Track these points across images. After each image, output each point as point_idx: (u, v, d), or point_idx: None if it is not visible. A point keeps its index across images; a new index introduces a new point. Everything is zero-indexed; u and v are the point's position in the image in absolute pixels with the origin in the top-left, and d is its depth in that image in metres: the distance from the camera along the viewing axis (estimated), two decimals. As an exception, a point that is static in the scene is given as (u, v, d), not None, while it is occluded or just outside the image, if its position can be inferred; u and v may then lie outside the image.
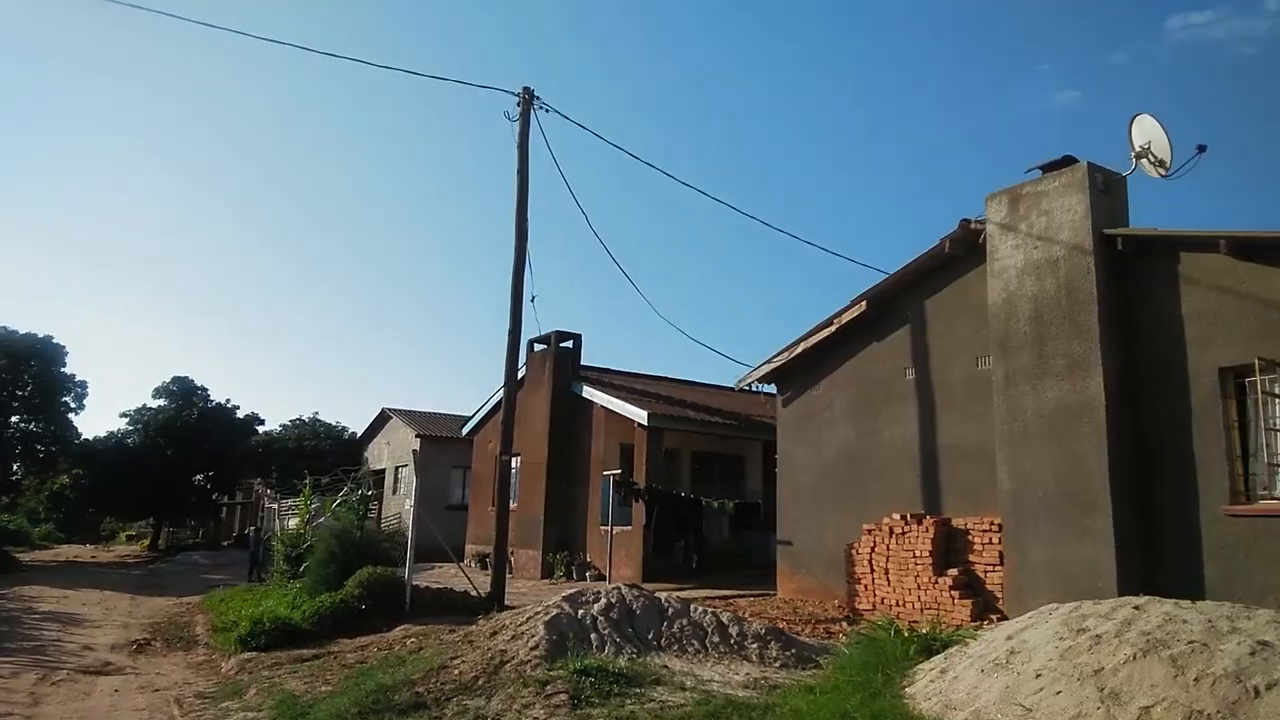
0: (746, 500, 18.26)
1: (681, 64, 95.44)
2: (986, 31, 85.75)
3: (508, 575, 16.07)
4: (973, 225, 11.36)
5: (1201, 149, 9.73)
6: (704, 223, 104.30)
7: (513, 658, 8.36)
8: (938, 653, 8.32)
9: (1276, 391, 8.75)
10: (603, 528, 19.02)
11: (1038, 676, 6.32)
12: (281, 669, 9.87)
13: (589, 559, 19.09)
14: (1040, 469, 10.04)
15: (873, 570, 11.56)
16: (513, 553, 19.02)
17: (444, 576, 18.77)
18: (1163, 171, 9.92)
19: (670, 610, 9.60)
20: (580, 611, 9.36)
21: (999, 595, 10.36)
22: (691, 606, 9.76)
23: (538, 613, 9.33)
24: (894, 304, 12.73)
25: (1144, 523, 9.55)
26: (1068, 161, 10.49)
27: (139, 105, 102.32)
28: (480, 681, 7.90)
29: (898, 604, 11.14)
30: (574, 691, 7.36)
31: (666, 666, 8.41)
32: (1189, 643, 6.12)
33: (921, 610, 10.78)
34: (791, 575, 13.99)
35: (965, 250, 11.65)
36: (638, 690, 7.58)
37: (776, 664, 8.77)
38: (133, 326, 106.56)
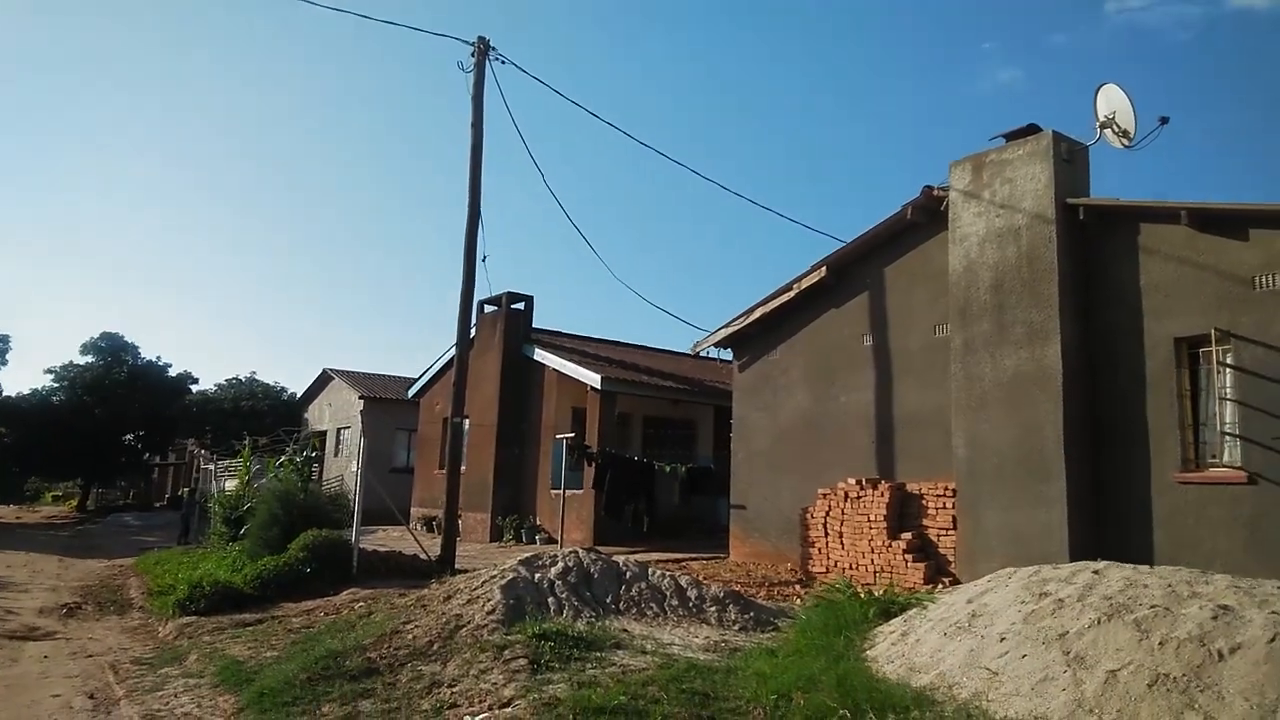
0: (698, 465, 18.22)
1: (647, 34, 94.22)
2: (931, 8, 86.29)
3: (456, 539, 15.82)
4: (935, 192, 11.31)
5: (1164, 120, 9.77)
6: (666, 188, 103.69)
7: (468, 622, 8.16)
8: (896, 615, 8.35)
9: (1229, 361, 8.89)
10: (554, 491, 18.83)
11: (1002, 640, 6.34)
12: (223, 634, 9.52)
13: (539, 522, 18.93)
14: (996, 436, 10.12)
15: (827, 534, 11.60)
16: (460, 516, 18.72)
17: (390, 540, 18.44)
18: (1126, 142, 9.96)
19: (628, 574, 9.48)
20: (537, 575, 9.19)
21: (951, 559, 10.47)
22: (649, 570, 9.66)
23: (493, 576, 9.13)
24: (854, 270, 12.68)
25: (1097, 490, 9.70)
26: (1032, 130, 10.47)
27: (64, 47, 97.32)
28: (435, 647, 7.69)
29: (851, 567, 11.20)
30: (533, 656, 7.19)
31: (626, 630, 8.30)
32: (1151, 607, 6.18)
33: (875, 574, 10.86)
34: (744, 539, 14.01)
35: (927, 217, 11.62)
36: (598, 654, 7.45)
37: (735, 627, 8.73)
38: (59, 281, 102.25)
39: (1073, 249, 10.00)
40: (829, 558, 11.53)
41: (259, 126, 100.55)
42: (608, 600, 9.05)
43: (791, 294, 13.23)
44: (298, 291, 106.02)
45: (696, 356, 27.01)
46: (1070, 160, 10.16)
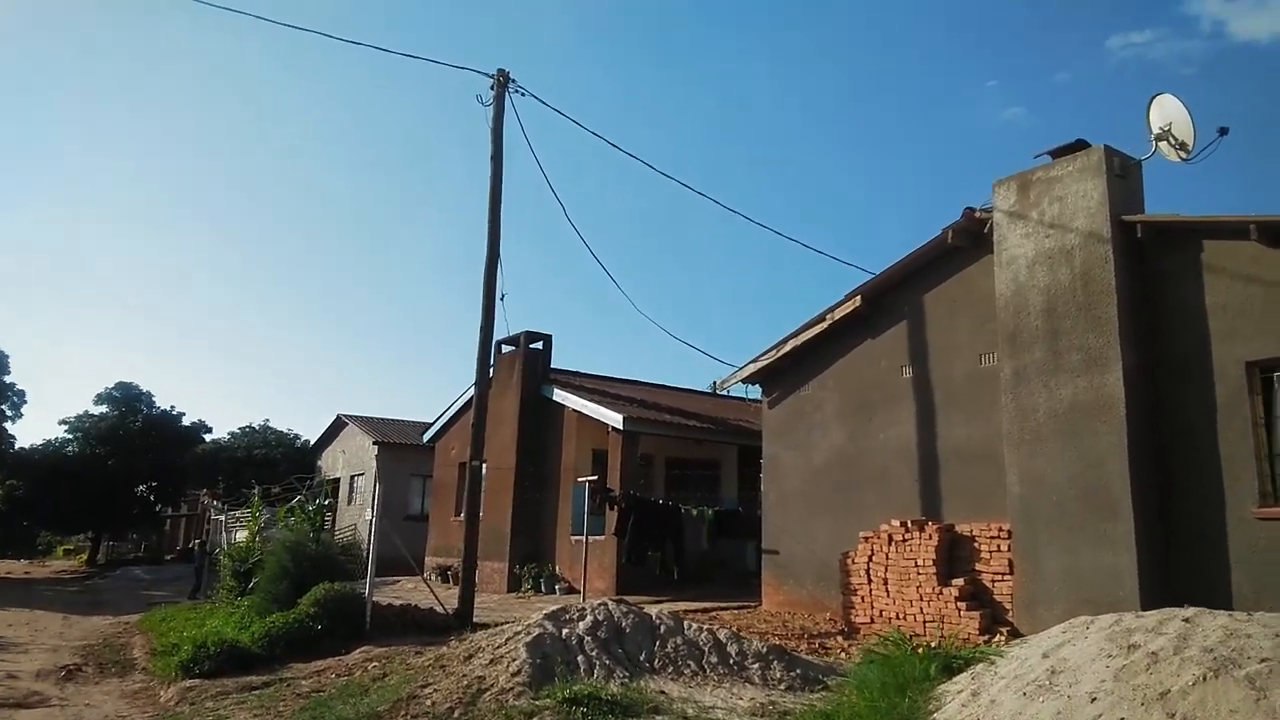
0: (725, 508, 17.49)
1: (669, 64, 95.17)
2: (936, 46, 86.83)
3: (474, 591, 15.08)
4: (978, 214, 10.75)
5: (1223, 131, 9.22)
6: (689, 221, 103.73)
7: (492, 685, 7.47)
8: (960, 671, 7.60)
9: (1310, 386, 8.21)
10: (574, 538, 18.10)
11: (1093, 701, 5.61)
12: (228, 699, 8.84)
13: (559, 571, 18.16)
14: (1054, 471, 9.41)
15: (870, 581, 10.85)
16: (477, 565, 18.02)
17: (404, 591, 17.72)
18: (1184, 155, 9.39)
19: (662, 628, 8.77)
20: (565, 631, 8.50)
21: (1008, 606, 9.70)
22: (685, 623, 8.95)
23: (518, 633, 8.45)
24: (890, 299, 12.08)
25: (1165, 528, 8.96)
26: (1080, 145, 9.92)
27: (76, 95, 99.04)
28: (456, 714, 7.01)
29: (898, 616, 10.43)
30: (565, 724, 6.51)
31: (663, 692, 7.59)
32: (1263, 660, 5.45)
33: (924, 623, 10.09)
34: (778, 587, 13.24)
35: (969, 241, 11.04)
36: (635, 720, 6.76)
37: (781, 686, 7.99)
38: (76, 333, 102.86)
39: (1130, 269, 9.38)
40: (873, 607, 10.76)
41: (269, 167, 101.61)
42: (641, 658, 8.33)
43: (824, 325, 12.62)
44: (312, 336, 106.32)
45: (715, 394, 26.45)
46: (1124, 175, 9.59)
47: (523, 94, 13.92)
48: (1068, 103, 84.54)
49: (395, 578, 20.22)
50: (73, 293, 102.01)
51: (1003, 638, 9.24)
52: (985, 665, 7.32)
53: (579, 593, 17.18)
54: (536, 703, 7.00)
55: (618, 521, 14.74)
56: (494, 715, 6.87)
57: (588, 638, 8.39)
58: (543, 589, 17.84)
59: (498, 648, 8.25)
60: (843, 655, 9.92)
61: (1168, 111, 9.49)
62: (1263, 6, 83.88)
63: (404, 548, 13.36)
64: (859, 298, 12.18)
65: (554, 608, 9.42)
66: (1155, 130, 9.58)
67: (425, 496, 27.25)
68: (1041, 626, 9.18)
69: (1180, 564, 8.84)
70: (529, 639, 8.17)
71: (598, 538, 16.30)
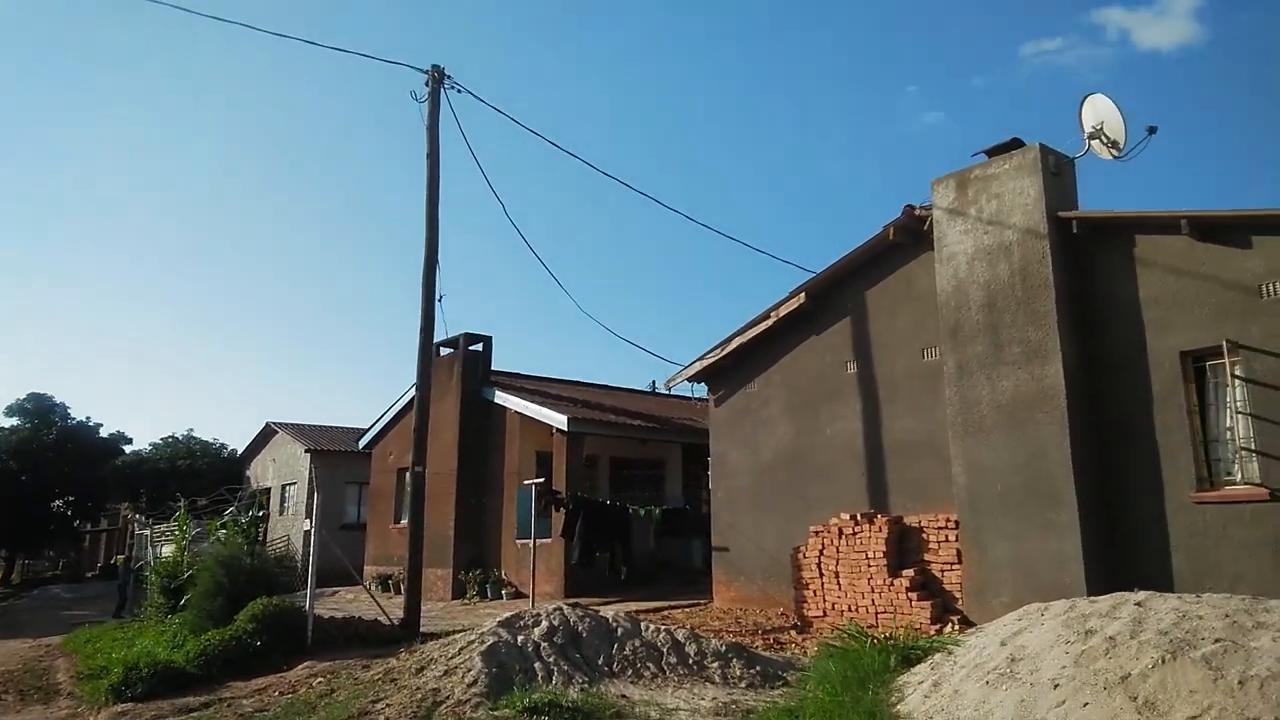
0: (671, 506, 17.45)
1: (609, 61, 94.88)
2: (856, 50, 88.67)
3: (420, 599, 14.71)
4: (917, 211, 10.91)
5: (1152, 130, 9.53)
6: (626, 221, 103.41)
7: (447, 697, 7.27)
8: (918, 662, 7.68)
9: (1239, 373, 8.51)
10: (519, 542, 17.87)
11: (1056, 687, 5.70)
12: (164, 723, 8.44)
13: (504, 576, 17.90)
14: (998, 461, 9.60)
15: (821, 574, 10.92)
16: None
17: (344, 602, 17.26)
18: (1115, 153, 9.68)
19: (619, 630, 8.67)
20: (520, 638, 8.33)
21: (958, 595, 9.86)
22: (642, 625, 8.86)
23: (471, 642, 8.25)
24: (833, 296, 12.18)
25: (1108, 514, 9.21)
26: (1016, 144, 10.15)
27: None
28: (412, 728, 6.78)
29: (850, 609, 10.52)
30: (527, 735, 6.35)
31: (625, 696, 7.49)
32: (1216, 641, 5.61)
33: (877, 614, 10.19)
34: (729, 583, 13.25)
35: (909, 238, 11.20)
36: (598, 727, 6.63)
37: (742, 684, 7.96)
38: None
39: (1067, 264, 9.62)
40: (825, 600, 10.83)
41: (188, 162, 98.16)
42: (600, 662, 8.21)
43: (769, 323, 12.67)
44: (237, 343, 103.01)
45: (657, 394, 26.45)
46: (1058, 173, 9.83)
47: (458, 90, 13.66)
48: (985, 107, 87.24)
49: (334, 588, 19.66)
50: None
51: (954, 626, 9.39)
52: (944, 655, 7.40)
53: (526, 597, 16.94)
54: (495, 714, 6.84)
55: (565, 524, 14.57)
56: (452, 728, 6.67)
57: (544, 644, 8.24)
58: (488, 595, 17.55)
59: (451, 658, 8.04)
60: (798, 650, 9.95)
61: (1100, 111, 9.77)
62: (1164, 16, 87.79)
63: (344, 558, 12.97)
64: (803, 295, 12.26)
65: (508, 614, 9.24)
66: (1088, 129, 9.85)
67: (361, 504, 26.62)
68: (991, 614, 9.35)
69: (1123, 549, 9.09)
70: (484, 648, 7.98)
71: (544, 541, 16.09)
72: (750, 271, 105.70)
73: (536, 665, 7.88)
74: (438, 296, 13.07)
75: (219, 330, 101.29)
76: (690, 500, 20.52)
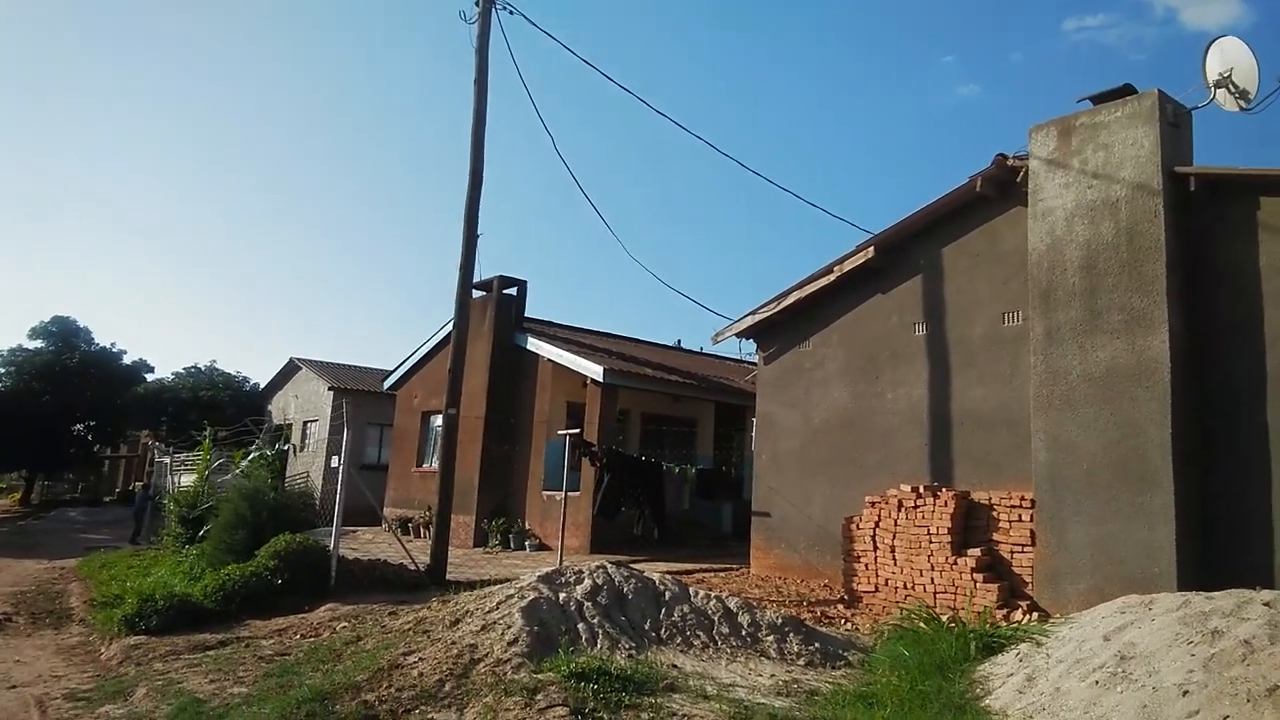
0: (707, 466, 16.81)
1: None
2: (892, 19, 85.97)
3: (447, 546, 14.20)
4: (1010, 161, 10.00)
5: (1288, 79, 8.56)
6: (681, 168, 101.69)
7: (485, 655, 6.65)
8: (998, 651, 7.01)
9: (1374, 356, 7.66)
10: (546, 493, 17.32)
11: (1185, 694, 4.98)
12: (179, 660, 7.91)
13: (528, 527, 17.37)
14: (1086, 438, 8.81)
15: (876, 548, 10.23)
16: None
17: (363, 543, 16.75)
18: (1244, 104, 8.72)
19: (667, 594, 8.02)
20: (562, 595, 7.70)
21: (1028, 579, 9.15)
22: (691, 590, 8.21)
23: (510, 596, 7.62)
24: (906, 251, 11.33)
25: (1202, 503, 8.43)
26: (1128, 90, 9.20)
27: (14, 25, 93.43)
28: (448, 687, 6.17)
29: (906, 586, 9.84)
30: (575, 705, 5.72)
31: (675, 666, 6.85)
32: (1377, 653, 4.91)
33: (935, 594, 9.51)
34: (768, 550, 12.60)
35: (997, 191, 10.30)
36: (651, 700, 5.99)
37: (801, 661, 7.31)
38: (8, 263, 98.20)
39: (1179, 225, 8.73)
40: (878, 575, 10.16)
41: (218, 101, 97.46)
42: (646, 627, 7.58)
43: (832, 277, 11.85)
44: (263, 279, 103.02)
45: (684, 349, 25.68)
46: (1176, 125, 8.90)
47: (510, 11, 12.78)
48: (1020, 83, 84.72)
49: (352, 528, 19.24)
50: (4, 221, 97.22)
51: (1025, 613, 8.69)
52: (1030, 646, 6.72)
53: (550, 550, 16.43)
54: (538, 676, 6.21)
55: (597, 478, 13.94)
56: (491, 690, 6.06)
57: (587, 603, 7.61)
58: (511, 545, 17.04)
59: (488, 612, 7.42)
60: (848, 626, 9.32)
61: (1229, 56, 8.79)
62: None
63: (371, 497, 12.43)
64: (872, 249, 11.41)
65: (547, 569, 8.63)
66: (1214, 77, 8.88)
67: (383, 446, 26.18)
68: (1065, 601, 8.67)
69: (1218, 541, 8.33)
70: (524, 604, 7.36)
71: (573, 494, 15.52)
72: (785, 232, 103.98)
73: (580, 626, 7.25)
74: (478, 232, 12.36)
75: (248, 265, 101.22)
76: (721, 462, 19.89)
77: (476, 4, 12.67)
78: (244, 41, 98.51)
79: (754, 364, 16.95)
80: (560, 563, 11.98)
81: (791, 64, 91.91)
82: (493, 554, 16.29)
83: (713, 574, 12.77)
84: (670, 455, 17.63)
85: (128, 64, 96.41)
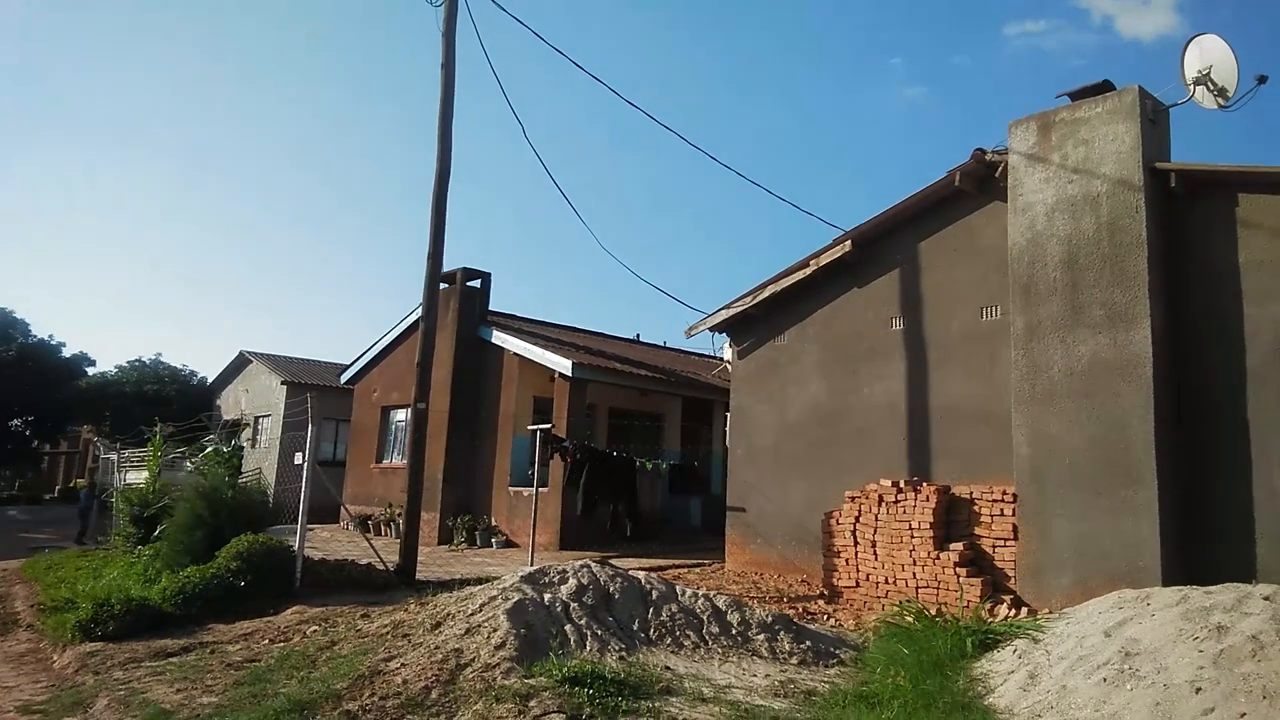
0: (678, 461, 16.66)
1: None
2: (839, 21, 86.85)
3: (397, 541, 13.83)
4: (988, 156, 9.98)
5: (1262, 79, 8.64)
6: (647, 160, 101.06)
7: (472, 659, 6.39)
8: (993, 647, 6.96)
9: (1351, 352, 7.76)
10: (512, 489, 17.02)
11: (1197, 692, 4.94)
12: (140, 668, 7.49)
13: (495, 523, 17.05)
14: (1068, 433, 8.82)
15: (856, 543, 10.16)
16: (399, 514, 16.74)
17: (321, 542, 16.28)
18: (1222, 102, 8.77)
19: (654, 593, 7.83)
20: (547, 596, 7.46)
21: (1010, 573, 9.15)
22: (678, 589, 8.04)
23: (494, 597, 7.36)
24: (883, 245, 11.27)
25: (1186, 497, 8.49)
26: (1106, 86, 9.23)
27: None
28: (435, 695, 5.91)
29: (887, 581, 9.79)
30: (571, 711, 5.51)
31: (668, 668, 6.67)
32: (1386, 648, 4.91)
33: (917, 589, 9.47)
34: (744, 546, 12.49)
35: (975, 185, 10.29)
36: (649, 704, 5.81)
37: (794, 660, 7.18)
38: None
39: (1161, 221, 8.78)
40: (858, 570, 10.09)
41: (163, 83, 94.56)
42: (635, 627, 7.38)
43: (808, 271, 11.75)
44: (211, 271, 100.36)
45: (644, 343, 25.49)
46: (1155, 121, 8.95)
47: (480, -6, 12.43)
48: (965, 86, 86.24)
49: (311, 526, 18.68)
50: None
51: (1009, 607, 8.68)
52: (1027, 642, 6.67)
53: (517, 546, 16.14)
54: (529, 682, 5.98)
55: (570, 473, 13.68)
56: (481, 697, 5.81)
57: (574, 604, 7.38)
58: (478, 542, 16.71)
59: (471, 614, 7.15)
60: (832, 622, 9.23)
61: (1208, 54, 8.85)
62: (1146, 6, 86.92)
63: (337, 495, 12.02)
64: (848, 242, 11.33)
65: (523, 567, 8.39)
66: (1192, 74, 8.93)
67: (338, 442, 25.56)
68: (1049, 595, 8.68)
69: (1202, 535, 8.39)
70: (508, 605, 7.10)
71: (542, 489, 15.25)
72: (771, 229, 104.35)
73: (568, 628, 7.03)
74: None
75: (194, 255, 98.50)
76: (687, 456, 19.76)
77: (444, -15, 12.29)
78: (192, 21, 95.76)
79: (719, 359, 16.87)
80: (531, 560, 11.74)
81: (742, 64, 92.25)
82: (459, 551, 15.95)
83: (688, 570, 12.62)
84: (638, 450, 17.44)
85: (64, 38, 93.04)
